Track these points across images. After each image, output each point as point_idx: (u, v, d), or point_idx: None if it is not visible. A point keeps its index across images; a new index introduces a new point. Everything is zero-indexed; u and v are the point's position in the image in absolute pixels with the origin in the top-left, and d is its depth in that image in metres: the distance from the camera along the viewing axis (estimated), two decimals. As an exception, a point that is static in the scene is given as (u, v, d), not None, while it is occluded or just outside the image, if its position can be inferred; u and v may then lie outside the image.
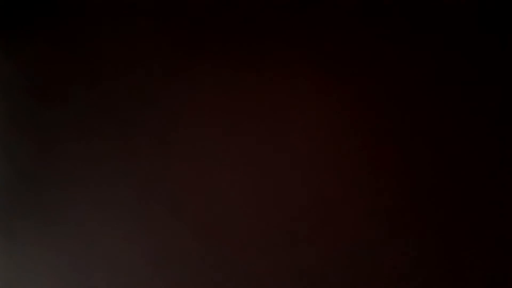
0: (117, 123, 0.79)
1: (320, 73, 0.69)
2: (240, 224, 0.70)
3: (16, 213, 0.77)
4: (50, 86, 0.77)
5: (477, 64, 0.61)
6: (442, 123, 0.62)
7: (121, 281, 0.71)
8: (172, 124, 0.77)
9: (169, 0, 0.78)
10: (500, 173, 0.58)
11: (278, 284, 0.65)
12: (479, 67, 0.61)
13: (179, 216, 0.73)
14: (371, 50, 0.67)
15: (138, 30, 0.78)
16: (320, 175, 0.67)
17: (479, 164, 0.60)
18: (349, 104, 0.67)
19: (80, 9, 0.78)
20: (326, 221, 0.65)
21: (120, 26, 0.78)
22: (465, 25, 0.62)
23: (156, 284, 0.70)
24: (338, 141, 0.67)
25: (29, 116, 0.75)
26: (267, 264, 0.67)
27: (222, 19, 0.74)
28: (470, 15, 0.62)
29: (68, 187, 0.74)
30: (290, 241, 0.67)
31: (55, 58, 0.77)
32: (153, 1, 0.78)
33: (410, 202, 0.62)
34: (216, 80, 0.74)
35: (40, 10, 0.77)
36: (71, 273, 0.72)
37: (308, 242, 0.65)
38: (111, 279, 0.72)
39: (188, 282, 0.70)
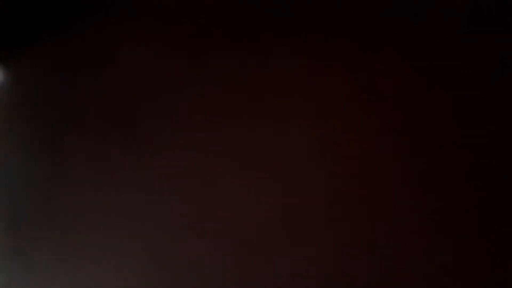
0: (120, 126, 0.79)
1: (323, 69, 0.69)
2: (248, 225, 0.69)
3: (25, 216, 0.77)
4: (57, 91, 0.77)
5: (484, 58, 0.61)
6: (450, 120, 0.62)
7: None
8: (178, 126, 0.77)
9: (170, 0, 0.78)
10: (507, 170, 0.58)
11: (286, 286, 0.65)
12: (485, 62, 0.61)
13: (187, 220, 0.73)
14: (376, 45, 0.67)
15: (141, 30, 0.78)
16: (327, 173, 0.67)
17: (488, 161, 0.59)
18: (355, 101, 0.66)
19: (80, 10, 0.79)
20: (334, 220, 0.64)
21: (124, 26, 0.78)
22: (470, 19, 0.62)
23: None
24: (344, 138, 0.66)
25: (40, 118, 0.74)
26: (275, 265, 0.67)
27: (225, 17, 0.74)
28: (476, 8, 0.61)
29: (77, 193, 0.74)
30: (296, 241, 0.67)
31: (59, 63, 0.77)
32: (154, 2, 0.78)
33: (418, 200, 0.61)
34: (220, 78, 0.74)
35: (42, 16, 0.77)
36: (79, 282, 0.72)
37: (315, 242, 0.65)
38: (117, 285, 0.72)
39: (196, 286, 0.70)
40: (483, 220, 0.58)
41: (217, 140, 0.74)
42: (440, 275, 0.58)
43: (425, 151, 0.62)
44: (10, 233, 0.77)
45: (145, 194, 0.75)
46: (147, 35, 0.78)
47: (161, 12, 0.78)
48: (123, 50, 0.77)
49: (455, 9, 0.63)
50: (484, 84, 0.60)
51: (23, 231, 0.77)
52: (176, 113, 0.77)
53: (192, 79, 0.76)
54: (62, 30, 0.74)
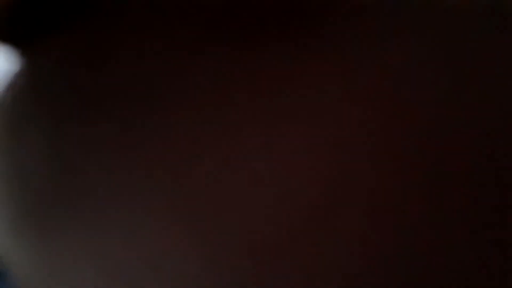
0: (143, 114, 0.78)
1: (323, 72, 0.69)
2: (252, 224, 0.69)
3: (46, 207, 0.75)
4: (77, 78, 0.76)
5: (484, 58, 0.61)
6: (451, 120, 0.62)
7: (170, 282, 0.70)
8: (177, 127, 0.76)
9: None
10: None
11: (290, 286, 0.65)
12: (486, 61, 0.61)
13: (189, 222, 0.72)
14: (377, 44, 0.67)
15: (147, 25, 0.77)
16: (324, 174, 0.67)
17: (491, 160, 0.59)
18: (353, 101, 0.66)
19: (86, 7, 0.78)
20: (331, 219, 0.64)
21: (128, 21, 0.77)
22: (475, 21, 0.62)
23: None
24: (342, 139, 0.66)
25: (60, 107, 0.73)
26: (272, 267, 0.66)
27: (232, 17, 0.74)
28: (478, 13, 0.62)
29: (101, 182, 0.73)
30: (293, 241, 0.66)
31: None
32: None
33: (418, 200, 0.61)
34: (225, 77, 0.74)
35: (60, 1, 0.76)
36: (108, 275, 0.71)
37: (313, 243, 0.65)
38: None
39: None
40: (487, 220, 0.58)
41: (214, 144, 0.74)
42: (444, 275, 0.58)
43: (428, 152, 0.62)
44: (29, 224, 0.77)
45: (167, 181, 0.74)
46: (155, 30, 0.77)
47: (169, 9, 0.78)
48: (146, 35, 0.76)
49: (455, 10, 0.64)
50: (486, 84, 0.61)
51: (43, 223, 0.76)
52: (181, 114, 0.77)
53: (188, 81, 0.76)
54: (81, 17, 0.74)
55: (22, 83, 0.57)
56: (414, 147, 0.55)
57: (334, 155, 0.55)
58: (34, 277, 0.59)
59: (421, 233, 0.50)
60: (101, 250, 0.57)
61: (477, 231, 0.48)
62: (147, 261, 0.57)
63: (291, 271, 0.51)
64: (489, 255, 0.48)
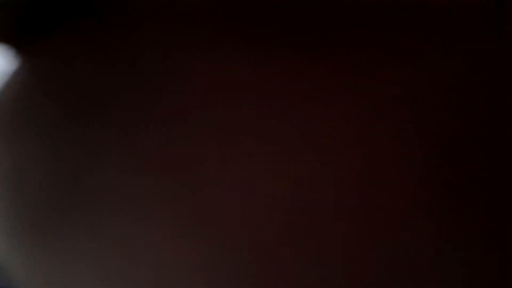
0: (148, 114, 0.77)
1: (323, 76, 0.69)
2: (249, 222, 0.69)
3: (51, 212, 0.75)
4: (80, 78, 0.75)
5: (486, 58, 0.61)
6: (450, 123, 0.62)
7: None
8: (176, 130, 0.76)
9: None
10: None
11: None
12: (488, 62, 0.61)
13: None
14: (377, 49, 0.67)
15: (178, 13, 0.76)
16: (323, 176, 0.66)
17: (494, 159, 0.59)
18: (350, 103, 0.66)
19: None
20: (339, 220, 0.64)
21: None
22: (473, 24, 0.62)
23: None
24: (340, 142, 0.66)
25: (62, 108, 0.72)
26: (272, 267, 0.66)
27: (235, 18, 0.74)
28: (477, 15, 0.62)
29: (108, 185, 0.72)
30: (290, 241, 0.66)
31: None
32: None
33: (414, 202, 0.61)
34: (222, 77, 0.74)
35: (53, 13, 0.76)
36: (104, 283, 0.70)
37: (309, 244, 0.64)
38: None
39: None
40: (495, 218, 0.57)
41: (221, 136, 0.73)
42: (451, 277, 0.58)
43: (425, 154, 0.62)
44: (36, 231, 0.76)
45: (185, 182, 0.73)
46: (185, 20, 0.77)
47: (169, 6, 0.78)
48: (148, 35, 0.76)
49: (456, 11, 0.63)
50: (486, 84, 0.60)
51: (41, 226, 0.75)
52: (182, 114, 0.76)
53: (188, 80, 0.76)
54: (81, 16, 0.74)
55: (21, 83, 0.57)
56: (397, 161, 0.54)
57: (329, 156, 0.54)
58: (31, 283, 0.58)
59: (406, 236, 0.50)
60: (101, 257, 0.57)
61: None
62: (147, 270, 0.56)
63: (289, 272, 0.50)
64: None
